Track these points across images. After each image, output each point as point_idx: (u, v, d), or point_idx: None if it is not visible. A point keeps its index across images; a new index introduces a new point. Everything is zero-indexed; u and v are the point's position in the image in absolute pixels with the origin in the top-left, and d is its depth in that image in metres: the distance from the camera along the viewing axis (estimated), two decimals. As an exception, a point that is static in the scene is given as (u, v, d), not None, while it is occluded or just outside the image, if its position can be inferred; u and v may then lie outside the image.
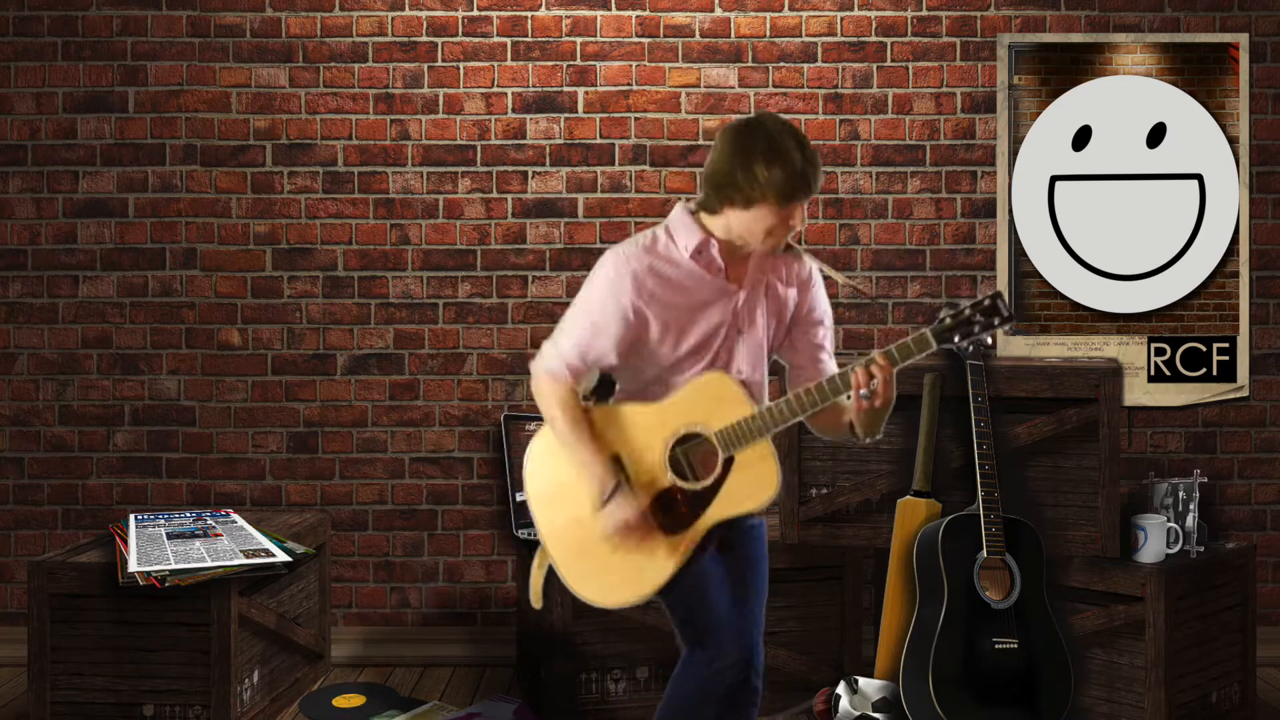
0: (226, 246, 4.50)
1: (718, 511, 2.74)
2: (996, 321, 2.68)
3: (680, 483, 2.74)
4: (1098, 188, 4.46)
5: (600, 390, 2.93)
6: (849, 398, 2.73)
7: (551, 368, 2.78)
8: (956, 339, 2.69)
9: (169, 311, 4.51)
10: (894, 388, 2.70)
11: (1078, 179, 4.46)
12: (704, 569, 2.79)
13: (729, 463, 2.73)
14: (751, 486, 2.73)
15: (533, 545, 3.10)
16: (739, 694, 2.77)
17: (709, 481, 2.74)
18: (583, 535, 2.80)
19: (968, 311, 2.68)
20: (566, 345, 2.78)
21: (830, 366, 2.90)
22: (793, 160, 2.64)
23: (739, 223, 2.72)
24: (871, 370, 2.66)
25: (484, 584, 4.50)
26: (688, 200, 2.84)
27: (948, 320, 2.69)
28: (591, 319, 2.76)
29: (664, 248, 2.77)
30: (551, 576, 2.94)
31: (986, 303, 2.68)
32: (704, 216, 2.78)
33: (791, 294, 2.85)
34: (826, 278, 2.94)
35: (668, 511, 2.74)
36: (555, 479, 2.83)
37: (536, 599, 2.95)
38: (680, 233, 2.77)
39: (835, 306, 4.44)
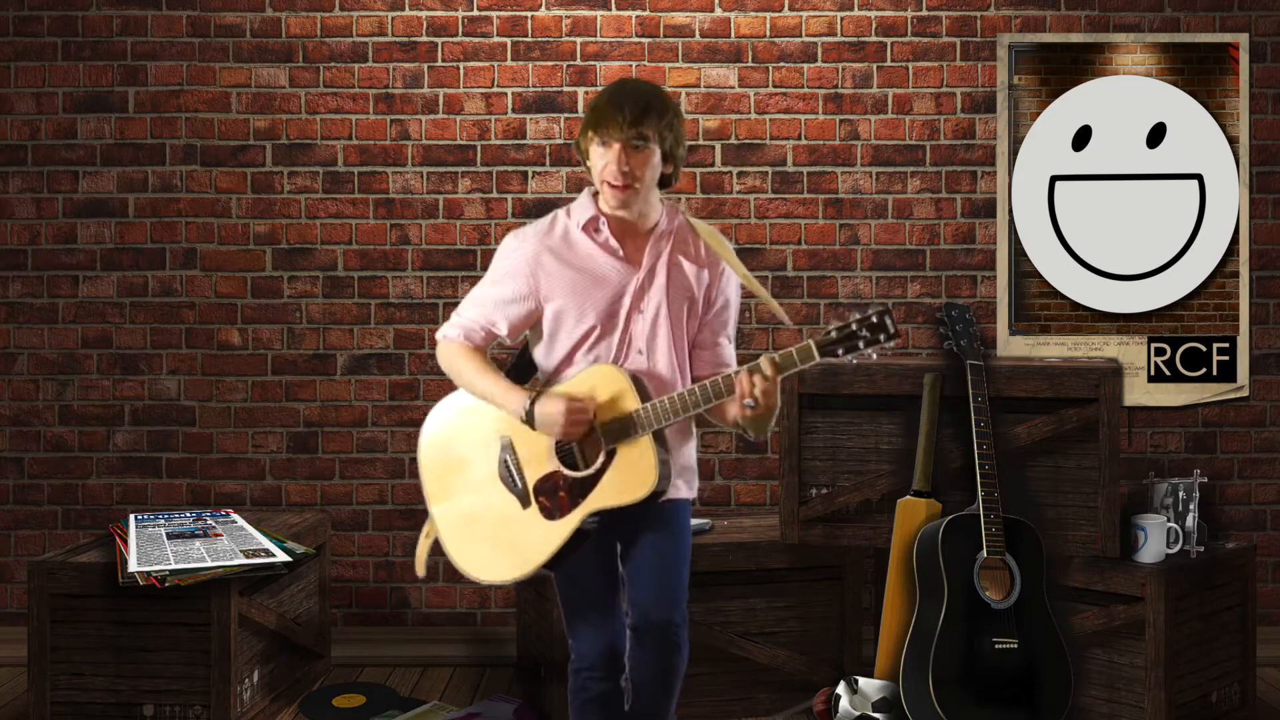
0: (226, 246, 4.50)
1: (595, 501, 2.82)
2: (882, 338, 2.69)
3: (564, 469, 2.84)
4: (1098, 188, 4.46)
5: (518, 371, 3.01)
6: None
7: (448, 333, 2.94)
8: (840, 352, 2.70)
9: (169, 311, 4.51)
10: (777, 395, 2.76)
11: (1078, 179, 4.46)
12: (584, 561, 2.88)
13: (611, 454, 2.81)
14: (628, 481, 2.80)
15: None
16: (607, 697, 2.89)
17: (590, 471, 2.83)
18: (469, 511, 2.93)
19: (854, 326, 2.70)
20: (465, 312, 2.93)
21: (727, 352, 2.98)
22: (601, 96, 2.82)
23: (595, 180, 2.84)
24: (754, 379, 2.71)
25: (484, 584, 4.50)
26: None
27: (833, 334, 2.71)
28: (489, 294, 2.90)
29: (561, 227, 2.90)
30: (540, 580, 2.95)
31: (874, 319, 2.69)
32: (600, 200, 2.91)
33: (704, 274, 2.92)
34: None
35: (550, 496, 2.85)
36: (448, 453, 2.98)
37: (420, 567, 3.10)
38: (576, 211, 2.91)
39: (838, 306, 4.46)
